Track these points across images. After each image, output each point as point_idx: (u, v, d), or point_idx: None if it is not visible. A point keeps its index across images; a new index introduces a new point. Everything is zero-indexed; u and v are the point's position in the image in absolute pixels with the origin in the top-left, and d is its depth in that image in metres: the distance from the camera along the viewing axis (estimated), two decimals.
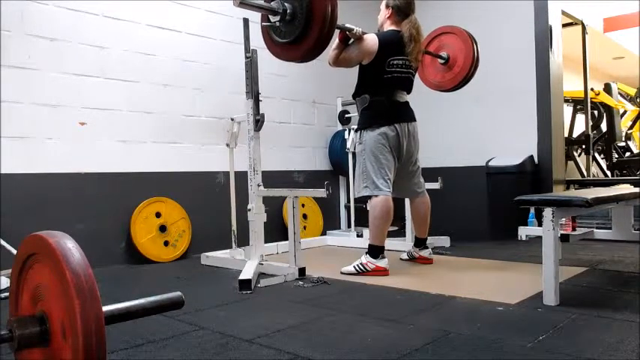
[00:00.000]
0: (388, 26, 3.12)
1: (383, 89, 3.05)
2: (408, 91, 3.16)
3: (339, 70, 3.41)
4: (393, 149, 3.05)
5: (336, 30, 2.78)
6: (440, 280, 2.82)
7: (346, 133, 4.60)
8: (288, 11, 2.66)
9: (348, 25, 2.92)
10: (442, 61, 3.54)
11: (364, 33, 2.98)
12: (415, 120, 3.17)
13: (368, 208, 3.05)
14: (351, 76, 3.24)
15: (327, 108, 4.97)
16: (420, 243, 3.35)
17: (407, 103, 3.15)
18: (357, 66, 3.10)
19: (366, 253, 3.01)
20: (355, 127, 4.51)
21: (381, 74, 3.01)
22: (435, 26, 3.65)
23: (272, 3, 2.70)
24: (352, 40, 3.00)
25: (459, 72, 3.50)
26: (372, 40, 2.99)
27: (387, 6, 3.12)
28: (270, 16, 2.74)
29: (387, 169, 3.03)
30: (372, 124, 3.04)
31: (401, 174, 3.17)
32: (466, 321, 2.01)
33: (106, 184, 3.53)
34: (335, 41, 2.95)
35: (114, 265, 3.48)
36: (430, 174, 3.53)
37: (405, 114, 3.12)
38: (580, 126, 6.05)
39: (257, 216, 3.14)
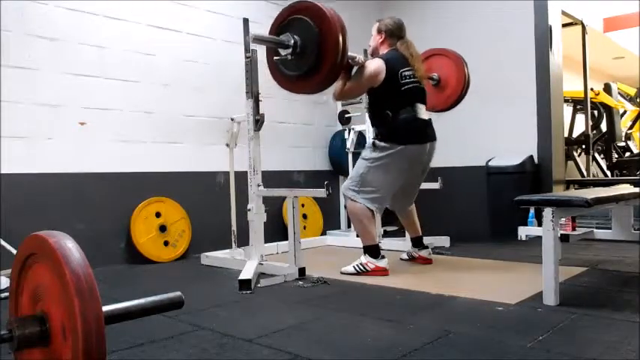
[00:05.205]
0: (384, 50, 3.10)
1: (403, 102, 2.98)
2: (425, 103, 3.11)
3: None
4: (408, 168, 3.02)
5: None
6: (440, 280, 2.82)
7: (346, 133, 4.60)
8: (298, 44, 2.68)
9: (351, 54, 2.89)
10: (433, 82, 3.59)
11: (365, 60, 2.99)
12: (436, 139, 3.11)
13: (346, 208, 3.01)
14: None
15: (327, 108, 4.96)
16: (417, 243, 3.34)
17: (430, 121, 3.10)
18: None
19: (365, 253, 3.01)
20: (355, 127, 4.53)
21: (399, 87, 2.96)
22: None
23: (281, 36, 2.71)
24: (355, 68, 2.99)
25: (451, 94, 3.57)
26: (377, 62, 2.97)
27: (380, 31, 3.11)
28: (280, 50, 2.74)
29: (391, 187, 3.01)
30: (394, 141, 2.94)
31: (400, 191, 3.15)
32: (466, 321, 2.01)
33: (106, 184, 3.53)
34: None
35: (114, 265, 3.48)
36: (430, 174, 3.53)
37: (428, 134, 3.06)
38: (580, 126, 6.05)
39: (257, 216, 3.14)
